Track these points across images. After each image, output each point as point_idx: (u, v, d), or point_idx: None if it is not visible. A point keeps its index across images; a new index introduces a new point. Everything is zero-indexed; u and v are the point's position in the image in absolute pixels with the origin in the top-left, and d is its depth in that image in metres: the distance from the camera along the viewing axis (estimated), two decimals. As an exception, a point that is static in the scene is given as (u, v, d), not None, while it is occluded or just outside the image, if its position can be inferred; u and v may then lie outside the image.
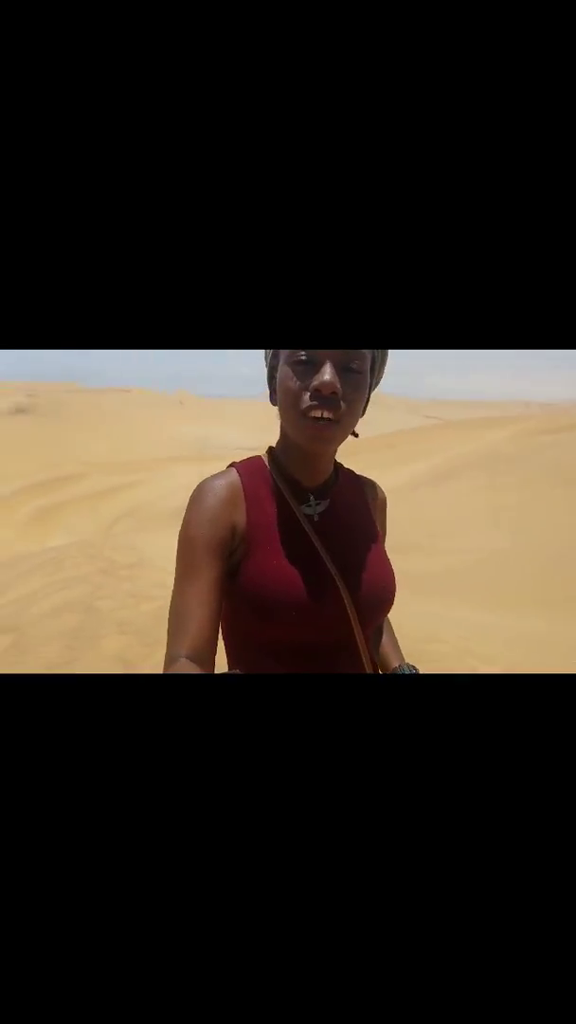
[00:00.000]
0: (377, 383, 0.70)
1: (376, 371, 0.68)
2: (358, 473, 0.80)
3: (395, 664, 0.80)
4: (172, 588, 0.65)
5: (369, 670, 0.69)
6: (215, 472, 0.71)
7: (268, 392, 0.69)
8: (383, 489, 0.81)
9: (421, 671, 0.74)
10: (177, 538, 0.67)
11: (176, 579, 0.65)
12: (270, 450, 0.74)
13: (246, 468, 0.71)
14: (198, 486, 0.69)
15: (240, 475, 0.70)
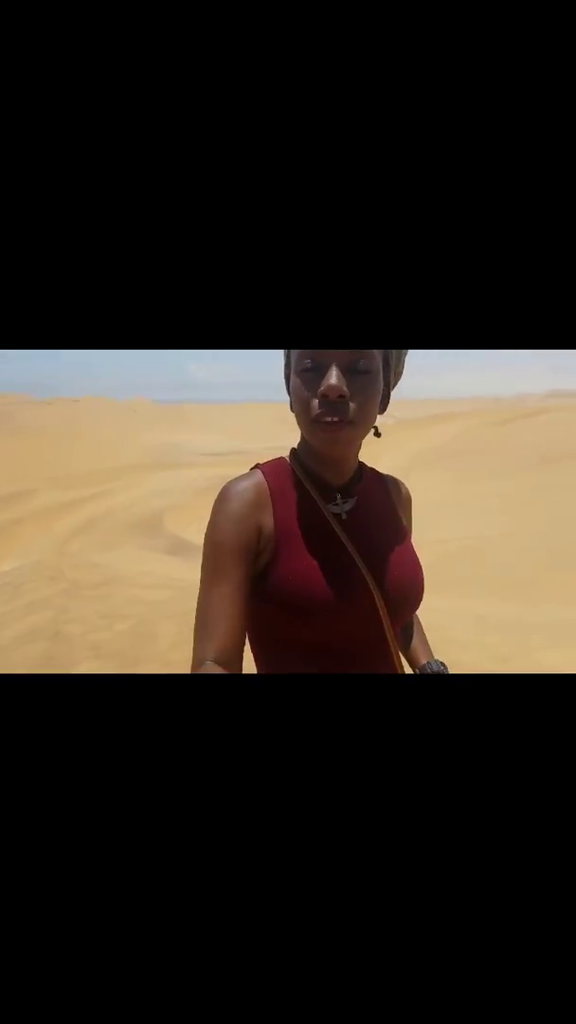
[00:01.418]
0: (398, 379, 0.70)
1: (393, 366, 0.68)
2: (382, 472, 0.80)
3: (423, 661, 0.80)
4: (199, 590, 0.65)
5: (398, 668, 0.69)
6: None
7: (289, 398, 0.69)
8: (407, 487, 0.81)
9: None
10: (203, 540, 0.67)
11: (202, 582, 0.65)
12: (293, 451, 0.74)
13: (271, 469, 0.71)
14: (223, 488, 0.68)
15: (265, 476, 0.69)
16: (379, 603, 0.66)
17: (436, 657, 0.80)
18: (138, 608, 3.78)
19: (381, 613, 0.66)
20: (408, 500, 0.79)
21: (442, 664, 0.78)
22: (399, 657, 0.70)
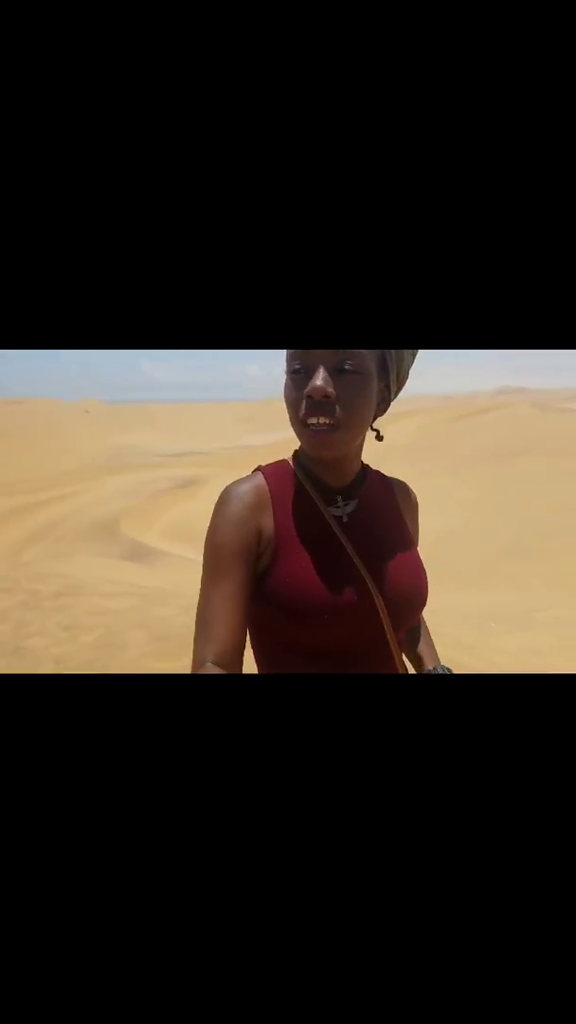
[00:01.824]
0: (402, 381, 0.70)
1: (393, 369, 0.67)
2: (388, 475, 0.79)
3: (429, 666, 0.79)
4: (200, 593, 0.65)
5: (400, 672, 0.69)
6: (240, 477, 0.70)
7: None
8: (414, 491, 0.81)
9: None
10: (204, 543, 0.66)
11: (203, 585, 0.65)
12: (296, 453, 0.73)
13: (272, 471, 0.70)
14: (224, 491, 0.68)
15: (266, 478, 0.69)
16: (380, 606, 0.65)
17: (445, 666, 0.79)
18: (103, 618, 3.67)
19: (382, 616, 0.66)
20: (414, 504, 0.79)
21: (447, 669, 0.77)
22: (401, 661, 0.69)
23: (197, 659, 0.60)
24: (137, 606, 4.01)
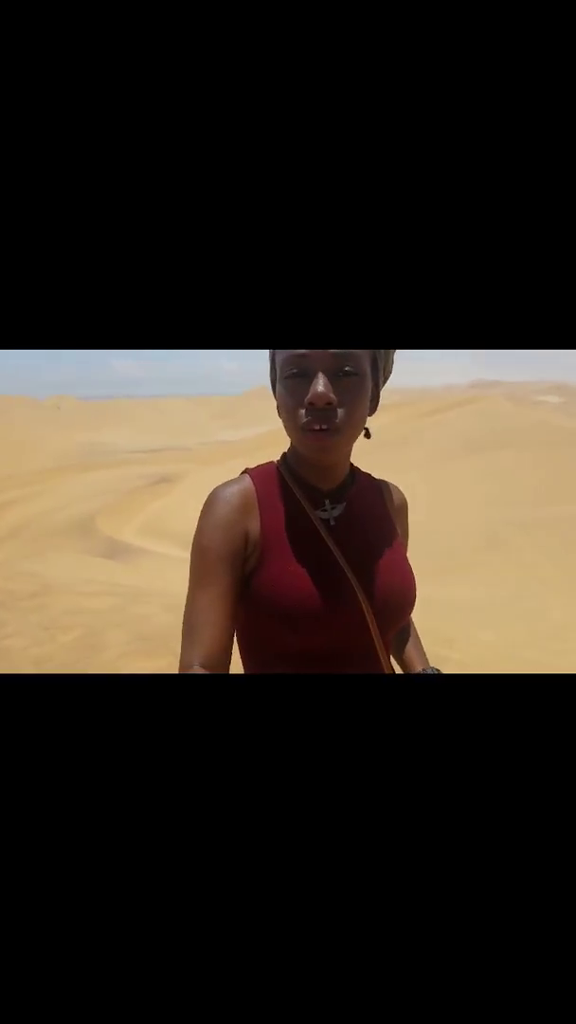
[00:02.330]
0: (387, 378, 0.70)
1: (382, 366, 0.67)
2: (376, 477, 0.79)
3: (419, 668, 0.79)
4: (187, 596, 0.65)
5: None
6: (230, 478, 0.70)
7: (277, 406, 0.68)
8: (403, 492, 0.80)
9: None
10: (190, 547, 0.66)
11: (190, 588, 0.64)
12: (283, 456, 0.72)
13: (259, 474, 0.70)
14: (211, 493, 0.67)
15: (253, 481, 0.68)
16: (367, 610, 0.65)
17: (435, 667, 0.79)
18: (82, 617, 3.62)
19: (369, 620, 0.65)
20: (403, 506, 0.78)
21: (437, 670, 0.77)
22: (389, 664, 0.69)
23: (184, 663, 0.60)
24: (116, 605, 3.97)
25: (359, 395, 0.62)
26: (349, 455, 0.70)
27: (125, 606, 3.91)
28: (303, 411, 0.61)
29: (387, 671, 0.68)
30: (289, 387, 0.62)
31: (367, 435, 0.70)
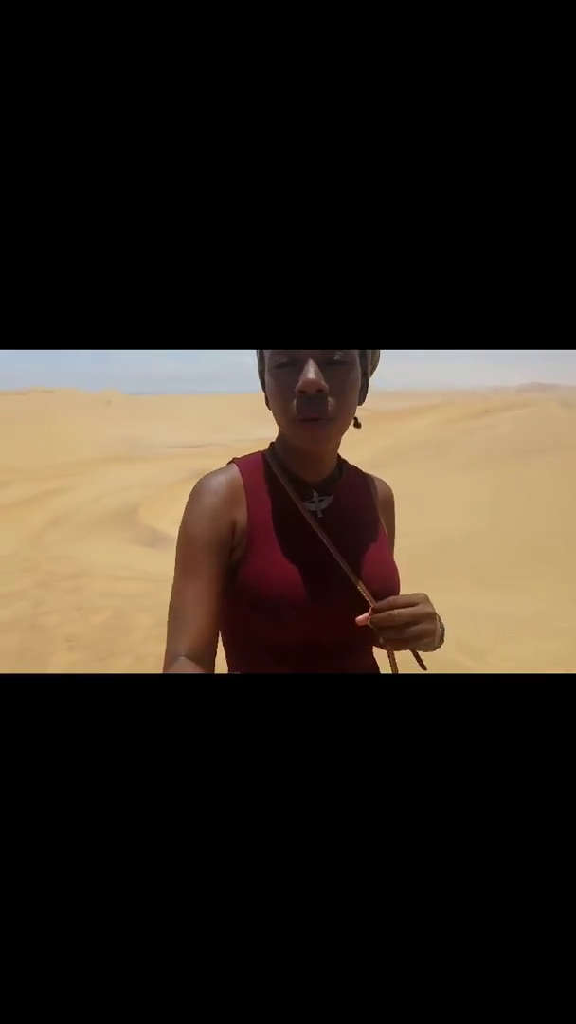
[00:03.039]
0: (374, 367, 0.69)
1: (370, 355, 0.66)
2: (364, 471, 0.78)
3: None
4: (172, 585, 0.64)
5: (378, 666, 0.68)
6: (216, 468, 0.68)
7: (264, 397, 0.68)
8: (390, 486, 0.79)
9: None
10: (177, 535, 0.66)
11: (175, 577, 0.64)
12: (271, 446, 0.72)
13: (247, 464, 0.70)
14: (198, 483, 0.67)
15: (241, 471, 0.68)
16: (367, 598, 0.64)
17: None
18: (113, 600, 3.74)
19: (370, 604, 0.63)
20: (389, 501, 0.78)
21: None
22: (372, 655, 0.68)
23: (170, 653, 0.60)
24: (147, 590, 4.08)
25: (349, 383, 0.62)
26: (338, 446, 0.70)
27: (155, 592, 4.01)
28: (294, 401, 0.61)
29: (375, 662, 0.68)
30: (279, 377, 0.62)
31: (357, 425, 0.69)
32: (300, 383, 0.60)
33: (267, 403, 0.66)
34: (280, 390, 0.62)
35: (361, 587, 0.65)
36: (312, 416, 0.60)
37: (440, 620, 0.64)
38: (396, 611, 0.59)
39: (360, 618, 0.60)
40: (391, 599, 0.60)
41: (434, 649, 0.64)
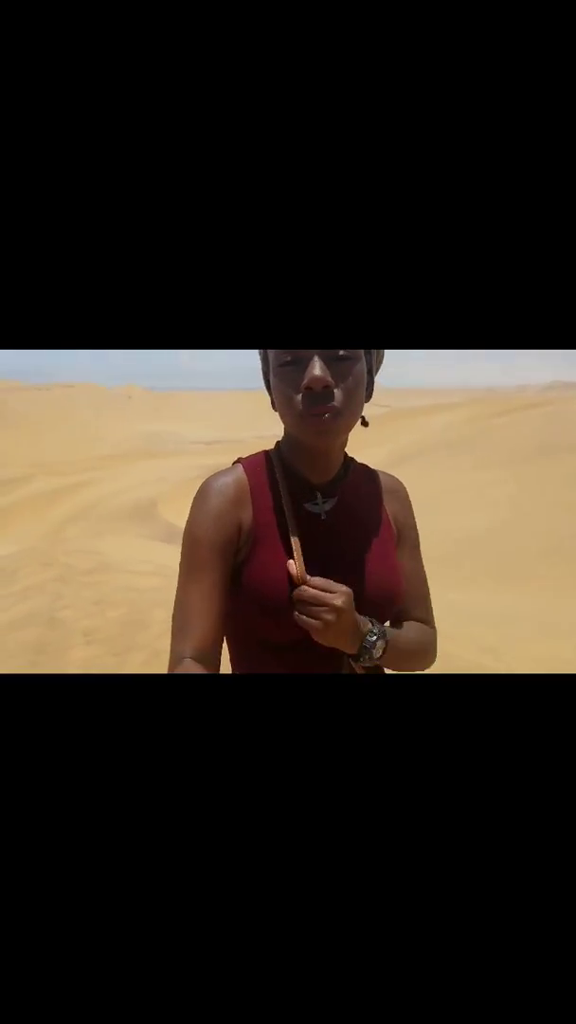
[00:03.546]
0: (379, 364, 0.69)
1: (373, 353, 0.66)
2: (375, 469, 0.77)
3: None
4: (178, 586, 0.65)
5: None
6: (220, 469, 0.68)
7: (269, 397, 0.67)
8: (401, 483, 0.78)
9: None
10: (182, 536, 0.66)
11: (180, 577, 0.64)
12: (277, 445, 0.72)
13: (252, 465, 0.70)
14: (203, 483, 0.67)
15: (246, 471, 0.68)
16: (298, 573, 0.63)
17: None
18: (131, 595, 3.77)
19: None
20: (400, 498, 0.76)
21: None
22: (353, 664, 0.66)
23: (175, 654, 0.60)
24: (164, 585, 4.11)
25: (356, 378, 0.61)
26: (344, 444, 0.69)
27: (172, 587, 4.03)
28: (300, 396, 0.61)
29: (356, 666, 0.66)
30: (284, 375, 0.62)
31: (364, 423, 0.68)
32: (306, 379, 0.59)
33: (272, 405, 0.67)
34: (286, 388, 0.62)
35: (293, 562, 0.63)
36: (319, 412, 0.60)
37: (374, 631, 0.63)
38: (308, 589, 0.60)
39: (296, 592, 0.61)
40: (316, 579, 0.61)
41: (367, 659, 0.63)
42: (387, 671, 0.71)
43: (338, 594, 0.60)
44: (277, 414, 0.66)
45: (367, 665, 0.65)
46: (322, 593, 0.60)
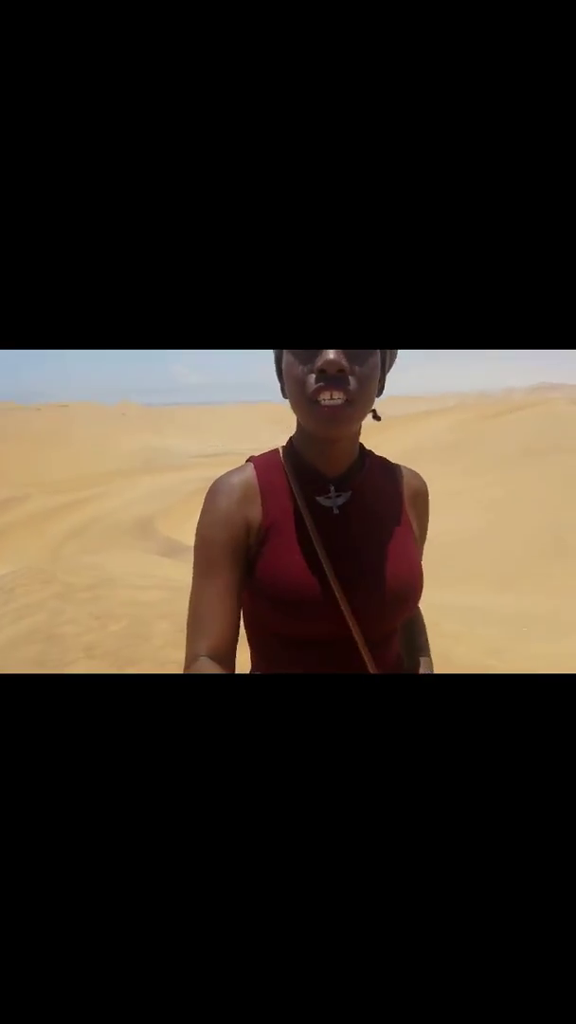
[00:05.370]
0: (392, 361, 0.68)
1: (388, 351, 0.66)
2: (394, 462, 0.76)
3: (421, 669, 0.77)
4: (191, 588, 0.64)
5: (376, 669, 0.66)
6: (225, 472, 0.68)
7: (280, 386, 0.67)
8: (423, 479, 0.76)
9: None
10: (193, 537, 0.66)
11: (194, 578, 0.64)
12: (290, 441, 0.71)
13: (262, 462, 0.70)
14: (213, 484, 0.67)
15: (256, 469, 0.68)
16: (342, 604, 0.63)
17: (428, 657, 0.77)
18: (132, 609, 3.77)
19: (346, 615, 0.63)
20: (420, 494, 0.74)
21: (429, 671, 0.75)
22: (371, 659, 0.66)
23: (190, 654, 0.61)
24: (166, 598, 4.11)
25: (370, 366, 0.61)
26: (358, 436, 0.68)
27: (174, 599, 4.04)
28: (312, 378, 0.59)
29: (369, 664, 0.66)
30: (298, 357, 0.60)
31: (376, 417, 0.68)
32: (320, 362, 0.58)
33: (283, 392, 0.66)
34: (299, 370, 0.61)
35: (339, 595, 0.62)
36: (331, 396, 0.59)
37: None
38: None
39: None
40: None
41: None
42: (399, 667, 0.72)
43: None
44: (285, 422, 0.66)
45: None
46: None
